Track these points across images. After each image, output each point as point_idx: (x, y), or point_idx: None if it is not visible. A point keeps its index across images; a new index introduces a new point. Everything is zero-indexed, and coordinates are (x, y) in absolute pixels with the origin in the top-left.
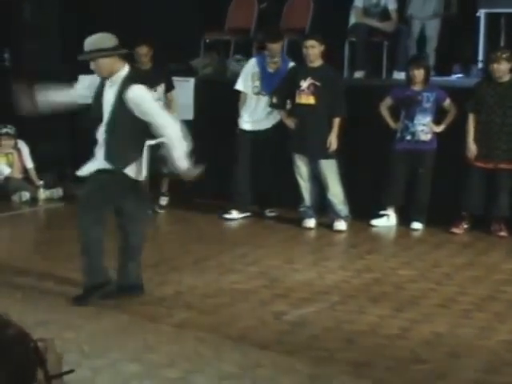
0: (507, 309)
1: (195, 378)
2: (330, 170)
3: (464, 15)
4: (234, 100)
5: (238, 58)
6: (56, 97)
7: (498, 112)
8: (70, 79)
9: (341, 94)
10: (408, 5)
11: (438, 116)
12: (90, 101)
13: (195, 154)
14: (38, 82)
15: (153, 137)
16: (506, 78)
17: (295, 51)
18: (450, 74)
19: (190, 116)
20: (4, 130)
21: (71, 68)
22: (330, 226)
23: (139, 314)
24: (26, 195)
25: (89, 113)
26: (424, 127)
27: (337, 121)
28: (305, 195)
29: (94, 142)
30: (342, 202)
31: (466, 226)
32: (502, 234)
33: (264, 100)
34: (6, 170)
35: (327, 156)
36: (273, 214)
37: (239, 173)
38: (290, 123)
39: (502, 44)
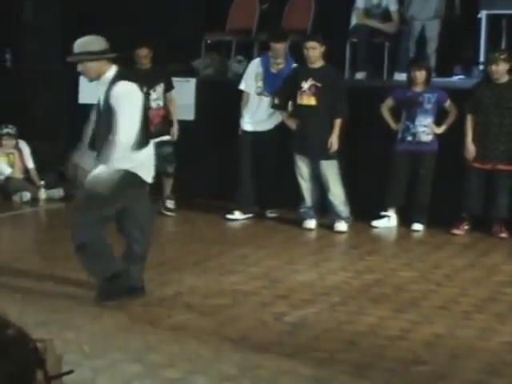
0: (508, 310)
1: (195, 378)
2: (330, 170)
3: (465, 16)
4: (235, 100)
5: (239, 59)
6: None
7: (495, 113)
8: (70, 79)
9: (342, 94)
10: (408, 6)
11: (439, 117)
12: None
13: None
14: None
15: (145, 137)
16: (504, 79)
17: (296, 52)
18: (451, 75)
19: (191, 116)
20: (5, 130)
21: (72, 68)
22: (330, 227)
23: (140, 315)
24: (26, 195)
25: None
26: (425, 128)
27: (338, 122)
28: (306, 196)
29: None
30: (342, 202)
31: (466, 228)
32: (503, 235)
33: (266, 100)
34: (7, 170)
35: (328, 157)
36: (273, 215)
37: (242, 174)
38: (292, 124)
39: (504, 45)
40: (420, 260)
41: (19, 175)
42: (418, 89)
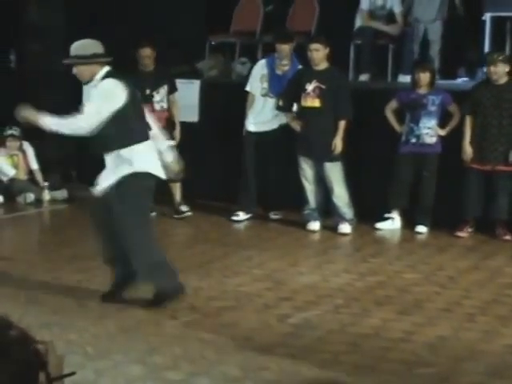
0: (511, 313)
1: (199, 380)
2: (334, 172)
3: (470, 19)
4: (239, 102)
5: (243, 61)
6: None
7: (494, 114)
8: (74, 80)
9: (346, 96)
10: (411, 8)
11: (443, 119)
12: None
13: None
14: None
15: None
16: (503, 81)
17: (301, 54)
18: (455, 77)
19: (194, 118)
20: (9, 132)
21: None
22: (334, 229)
23: (143, 316)
24: (30, 196)
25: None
26: (429, 130)
27: (342, 123)
28: (310, 198)
29: None
30: (346, 204)
31: (470, 230)
32: (507, 237)
33: (271, 102)
34: (11, 172)
35: (332, 159)
36: (277, 217)
37: (245, 174)
38: (296, 126)
39: (508, 47)
40: (424, 262)
41: (23, 176)
42: (422, 91)
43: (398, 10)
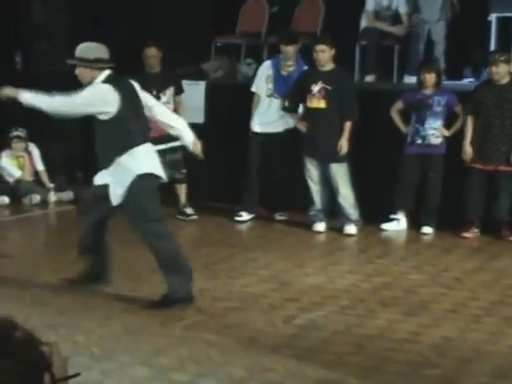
0: None
1: (204, 381)
2: (340, 173)
3: (475, 19)
4: (244, 103)
5: (248, 62)
6: None
7: (496, 114)
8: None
9: (352, 97)
10: (416, 9)
11: (449, 120)
12: None
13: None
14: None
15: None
16: (505, 81)
17: (306, 55)
18: (461, 77)
19: (200, 119)
20: (15, 133)
21: None
22: (340, 230)
23: (148, 317)
24: (36, 198)
25: None
26: (435, 131)
27: (348, 124)
28: (315, 199)
29: None
30: (352, 205)
31: (476, 231)
32: None
33: (276, 102)
34: (17, 173)
35: (338, 160)
36: (283, 218)
37: (249, 174)
38: (302, 127)
39: None
40: (429, 263)
41: (29, 178)
42: (428, 91)
43: (403, 10)
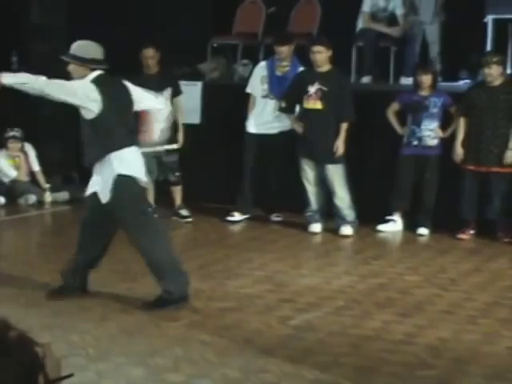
0: None
1: (200, 382)
2: (336, 174)
3: (472, 21)
4: (241, 104)
5: (245, 63)
6: None
7: (489, 116)
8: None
9: (348, 98)
10: (412, 9)
11: (444, 121)
12: None
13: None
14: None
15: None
16: (498, 82)
17: (303, 56)
18: (457, 79)
19: (197, 120)
20: (11, 133)
21: None
22: (336, 231)
23: (144, 318)
24: (32, 198)
25: None
26: (431, 132)
27: (344, 126)
28: (311, 200)
29: None
30: (348, 206)
31: (471, 232)
32: (508, 240)
33: (271, 103)
34: (13, 173)
35: (334, 161)
36: (279, 219)
37: (243, 174)
38: (298, 128)
39: (510, 49)
40: (425, 264)
41: (25, 178)
42: (424, 93)
43: (399, 12)
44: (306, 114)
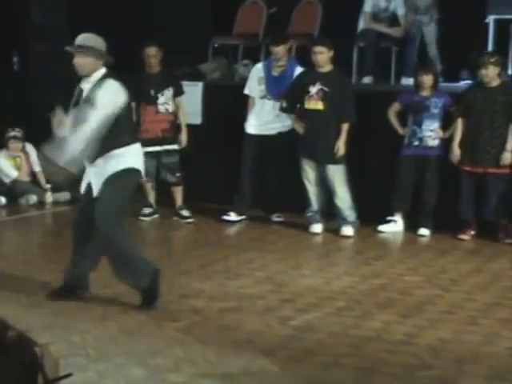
0: None
1: (200, 382)
2: (337, 175)
3: (473, 21)
4: (241, 104)
5: (246, 63)
6: None
7: (486, 116)
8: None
9: (350, 99)
10: (413, 9)
11: (445, 122)
12: None
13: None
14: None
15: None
16: (495, 83)
17: (304, 56)
18: (457, 80)
19: (197, 120)
20: (12, 134)
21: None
22: (337, 231)
23: (145, 318)
24: (33, 198)
25: None
26: (432, 133)
27: (345, 126)
28: (312, 200)
29: None
30: (349, 207)
31: (472, 233)
32: (509, 241)
33: (269, 104)
34: (14, 173)
35: (335, 161)
36: (279, 219)
37: (241, 175)
38: (299, 128)
39: (511, 50)
40: (426, 265)
41: (26, 178)
42: (425, 93)
43: (401, 12)
44: (307, 115)
